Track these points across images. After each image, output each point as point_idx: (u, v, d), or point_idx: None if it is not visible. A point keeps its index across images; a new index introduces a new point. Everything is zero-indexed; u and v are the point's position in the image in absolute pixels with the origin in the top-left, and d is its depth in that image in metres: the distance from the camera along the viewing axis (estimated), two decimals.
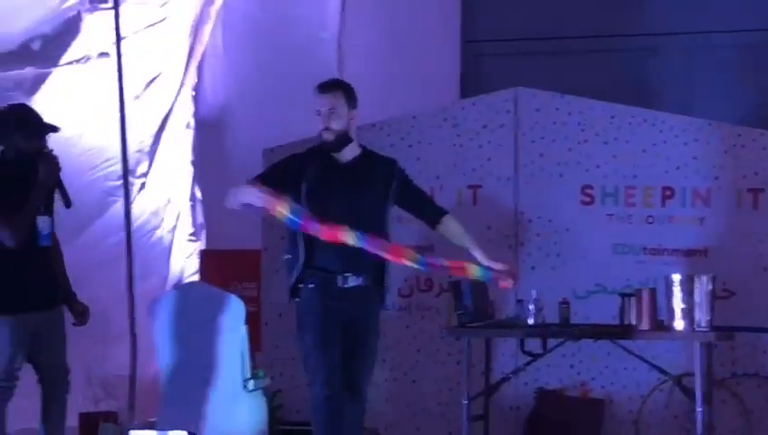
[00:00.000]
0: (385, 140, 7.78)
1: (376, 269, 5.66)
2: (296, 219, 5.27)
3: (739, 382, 7.36)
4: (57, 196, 6.02)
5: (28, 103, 6.68)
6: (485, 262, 5.66)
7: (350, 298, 5.59)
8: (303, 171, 5.62)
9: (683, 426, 7.25)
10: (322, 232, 5.29)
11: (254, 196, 5.32)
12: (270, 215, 5.38)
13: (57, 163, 5.93)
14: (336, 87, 5.71)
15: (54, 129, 6.05)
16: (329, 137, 5.64)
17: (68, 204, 6.04)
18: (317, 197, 5.56)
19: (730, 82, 9.36)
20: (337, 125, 5.63)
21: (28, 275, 5.85)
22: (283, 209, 5.26)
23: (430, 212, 5.87)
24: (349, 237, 5.30)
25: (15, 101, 6.59)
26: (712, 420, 6.68)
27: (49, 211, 5.97)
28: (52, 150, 5.97)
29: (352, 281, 5.58)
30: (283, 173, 5.65)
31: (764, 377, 7.35)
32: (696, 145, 7.59)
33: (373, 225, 5.52)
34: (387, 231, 5.68)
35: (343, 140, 5.67)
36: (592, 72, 9.47)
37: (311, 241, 5.48)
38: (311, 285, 5.58)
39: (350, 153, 5.73)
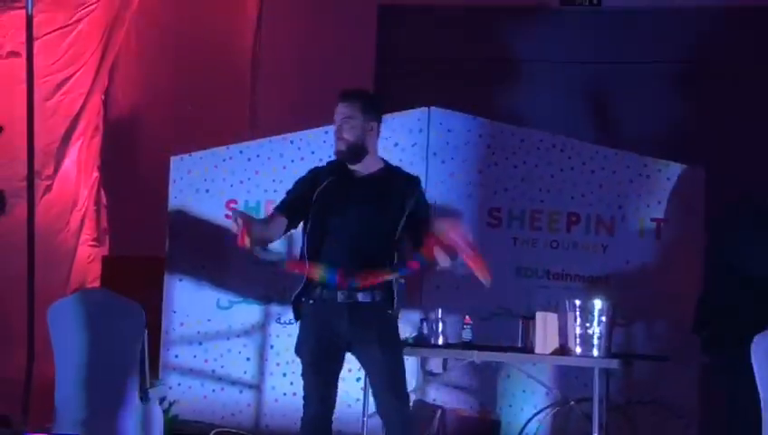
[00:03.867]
0: (296, 153, 7.77)
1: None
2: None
3: (635, 409, 7.44)
4: None
5: None
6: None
7: (353, 312, 5.39)
8: (318, 184, 5.48)
9: None
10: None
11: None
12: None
13: None
14: (354, 96, 5.56)
15: None
16: (340, 147, 5.51)
17: (2, 208, 5.96)
18: (324, 208, 5.43)
19: (637, 111, 9.46)
20: (350, 135, 5.49)
21: None
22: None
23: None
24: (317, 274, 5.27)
25: None
26: None
27: None
28: None
29: (361, 296, 5.39)
30: (298, 191, 5.55)
31: (660, 404, 7.44)
32: (602, 173, 7.67)
33: (380, 243, 5.42)
34: (393, 251, 5.47)
35: (357, 151, 5.52)
36: (505, 96, 9.53)
37: (315, 252, 5.38)
38: (310, 301, 5.44)
39: (369, 167, 5.57)
